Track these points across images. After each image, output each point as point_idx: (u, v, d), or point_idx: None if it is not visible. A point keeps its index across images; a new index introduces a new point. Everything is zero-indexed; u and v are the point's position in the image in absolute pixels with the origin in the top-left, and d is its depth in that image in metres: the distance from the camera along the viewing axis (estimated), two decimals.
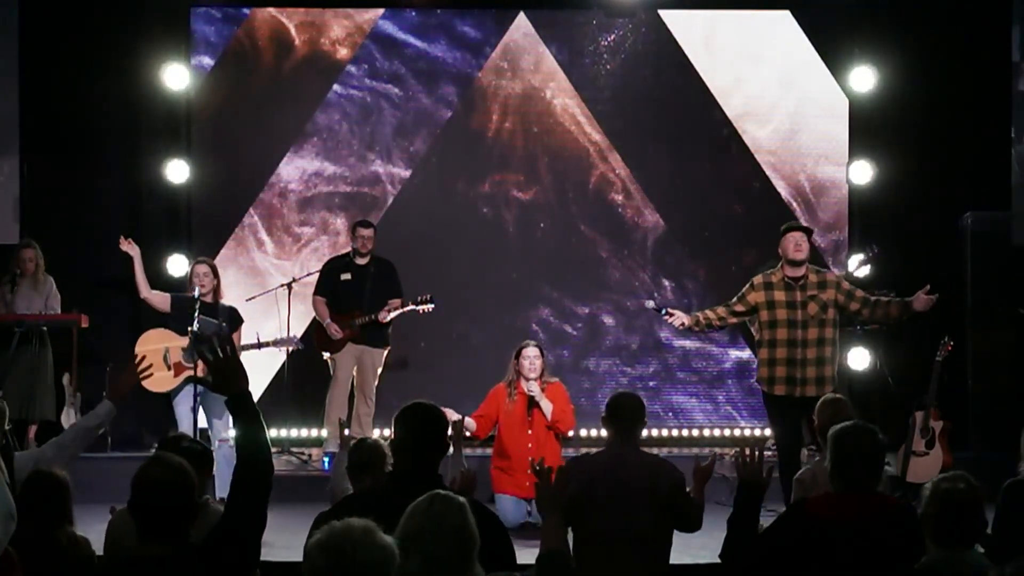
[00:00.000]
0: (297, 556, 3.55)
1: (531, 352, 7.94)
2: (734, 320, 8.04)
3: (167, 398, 8.57)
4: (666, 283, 10.56)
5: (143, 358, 5.34)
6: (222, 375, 3.65)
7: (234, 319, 8.64)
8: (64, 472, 4.72)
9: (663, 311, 8.02)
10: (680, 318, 7.91)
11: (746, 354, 10.40)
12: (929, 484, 4.04)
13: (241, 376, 3.65)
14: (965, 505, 3.92)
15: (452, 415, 7.68)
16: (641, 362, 10.55)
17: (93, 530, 4.97)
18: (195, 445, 5.10)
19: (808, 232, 7.86)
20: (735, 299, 7.88)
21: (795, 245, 7.66)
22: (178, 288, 9.16)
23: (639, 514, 5.21)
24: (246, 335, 8.66)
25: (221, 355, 3.63)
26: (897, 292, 8.45)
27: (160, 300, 8.80)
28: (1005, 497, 5.24)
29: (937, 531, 3.93)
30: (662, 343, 10.54)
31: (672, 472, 5.39)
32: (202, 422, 8.53)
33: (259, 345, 8.50)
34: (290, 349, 9.05)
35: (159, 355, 8.46)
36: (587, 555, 5.26)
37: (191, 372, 8.30)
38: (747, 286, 7.84)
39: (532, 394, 7.83)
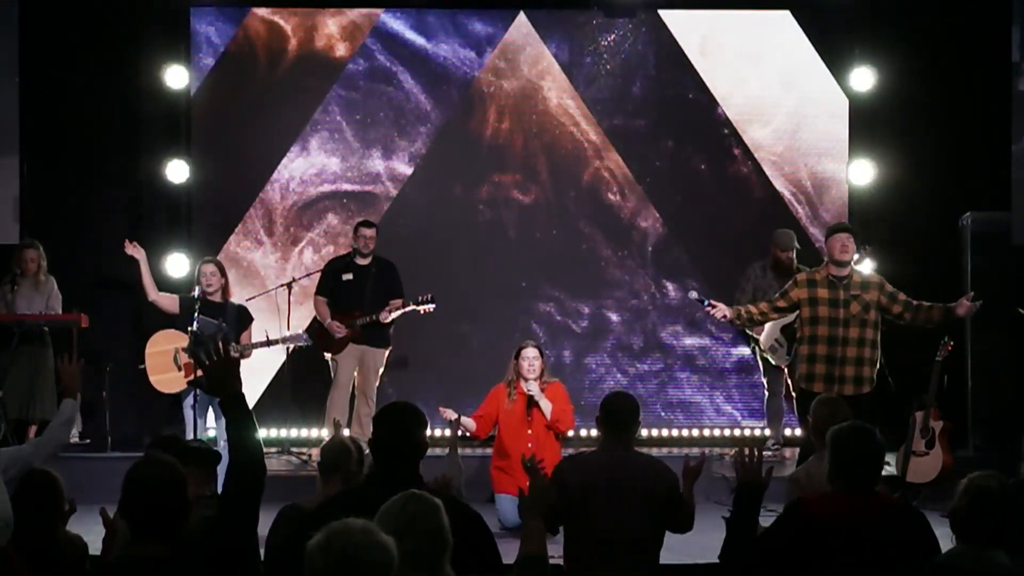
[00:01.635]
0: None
1: (530, 353, 7.94)
2: (775, 316, 8.10)
3: (173, 398, 8.60)
4: (666, 283, 10.56)
5: (70, 358, 5.50)
6: (214, 377, 3.65)
7: (243, 318, 8.69)
8: (56, 472, 4.74)
9: (705, 302, 8.02)
10: (722, 310, 7.92)
11: (747, 354, 10.40)
12: (964, 480, 4.07)
13: (234, 378, 3.66)
14: (995, 503, 3.94)
15: (450, 414, 7.71)
16: (642, 361, 10.55)
17: (92, 530, 4.96)
18: (202, 444, 5.15)
19: (855, 234, 7.90)
20: (777, 295, 7.94)
21: (841, 246, 7.72)
22: (182, 288, 9.17)
23: (635, 515, 5.20)
24: (256, 333, 8.70)
25: (218, 357, 3.64)
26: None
27: (169, 302, 8.83)
28: (1008, 499, 5.24)
29: (964, 526, 3.95)
30: (663, 342, 10.54)
31: (666, 473, 5.38)
32: (209, 421, 8.58)
33: (269, 343, 8.55)
34: (301, 346, 9.06)
35: (169, 356, 8.53)
36: (581, 556, 5.25)
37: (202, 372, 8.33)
38: (790, 283, 7.90)
39: (531, 394, 7.83)
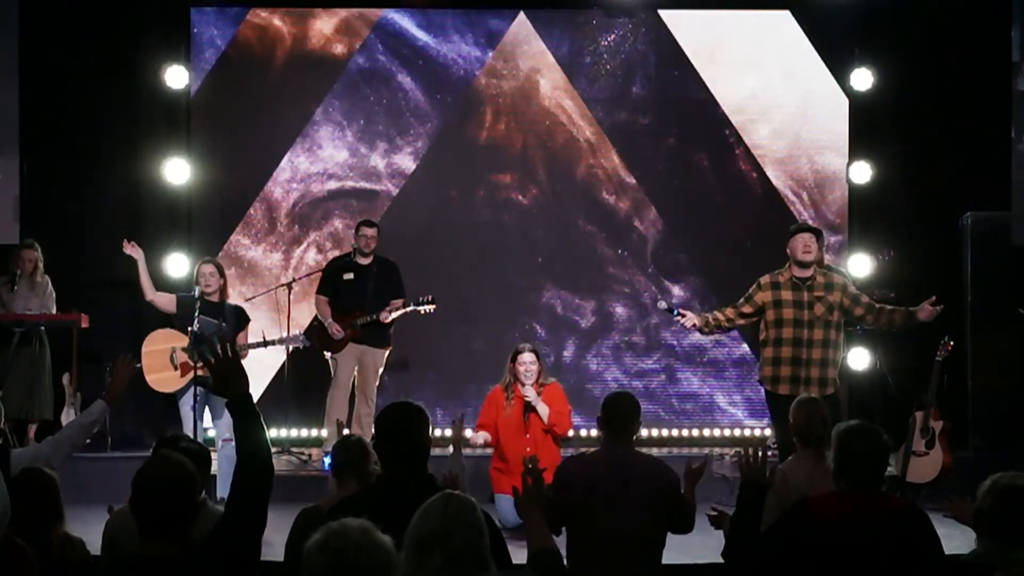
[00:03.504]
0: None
1: (527, 358, 7.89)
2: (742, 321, 8.03)
3: (171, 398, 8.61)
4: (666, 282, 10.56)
5: (132, 359, 5.40)
6: (222, 377, 3.65)
7: (240, 318, 8.69)
8: (52, 471, 4.72)
9: (675, 312, 8.03)
10: (691, 319, 7.92)
11: (748, 353, 10.41)
12: (988, 480, 4.06)
13: (242, 378, 3.65)
14: (1014, 500, 3.94)
15: (478, 439, 7.72)
16: (643, 360, 10.55)
17: (92, 530, 4.96)
18: (193, 444, 5.11)
19: (818, 234, 7.88)
20: (742, 300, 7.88)
21: (804, 246, 7.68)
22: (182, 288, 9.18)
23: (637, 516, 5.20)
24: (252, 334, 8.69)
25: (222, 356, 3.63)
26: (897, 292, 8.44)
27: (166, 301, 8.84)
28: None
29: (990, 525, 3.94)
30: (663, 342, 10.55)
31: (668, 473, 5.39)
32: (206, 421, 8.56)
33: (265, 344, 8.55)
34: (299, 347, 9.06)
35: (165, 355, 8.53)
36: (584, 557, 5.25)
37: (198, 372, 8.33)
38: (754, 286, 7.84)
39: (528, 399, 7.80)
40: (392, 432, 4.06)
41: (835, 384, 7.69)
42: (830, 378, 7.67)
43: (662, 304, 8.34)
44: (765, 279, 7.82)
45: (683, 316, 7.95)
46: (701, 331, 8.11)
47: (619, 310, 10.56)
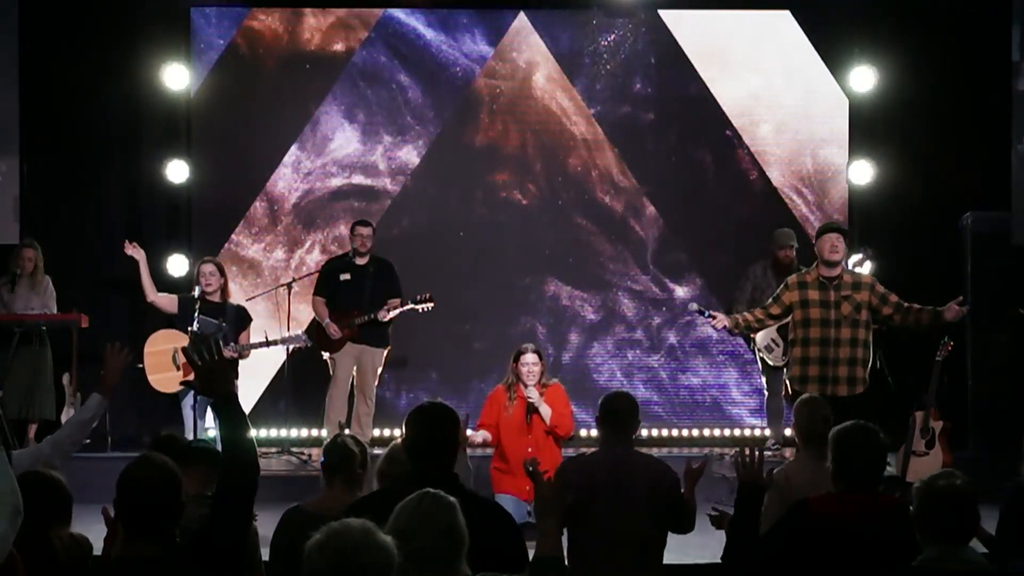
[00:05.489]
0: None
1: (529, 359, 7.88)
2: (771, 322, 8.10)
3: (172, 398, 8.62)
4: (666, 280, 10.56)
5: (122, 348, 5.31)
6: (208, 378, 3.65)
7: (242, 318, 8.72)
8: (58, 472, 4.71)
9: (706, 313, 8.06)
10: (722, 320, 7.96)
11: (748, 354, 10.40)
12: (919, 483, 4.02)
13: (227, 378, 3.65)
14: (957, 500, 3.92)
15: (476, 438, 7.71)
16: (643, 359, 10.54)
17: (92, 530, 4.96)
18: (208, 445, 5.10)
19: (845, 233, 7.90)
20: (770, 301, 7.92)
21: (831, 246, 7.71)
22: (182, 288, 9.19)
23: (638, 516, 5.20)
24: (255, 334, 8.70)
25: (207, 358, 3.63)
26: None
27: (167, 302, 8.87)
28: (1008, 500, 5.22)
29: (931, 527, 3.93)
30: (664, 341, 10.55)
31: (668, 473, 5.39)
32: (208, 421, 8.59)
33: (268, 343, 8.56)
34: (299, 347, 9.06)
35: (168, 356, 8.56)
36: (585, 557, 5.25)
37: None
38: (781, 287, 7.88)
39: (531, 401, 7.80)
40: (432, 431, 4.06)
41: (864, 383, 7.70)
42: (859, 377, 7.67)
43: (693, 306, 8.39)
44: (792, 279, 7.86)
45: (714, 317, 7.98)
46: (731, 332, 8.17)
47: (620, 309, 10.56)
